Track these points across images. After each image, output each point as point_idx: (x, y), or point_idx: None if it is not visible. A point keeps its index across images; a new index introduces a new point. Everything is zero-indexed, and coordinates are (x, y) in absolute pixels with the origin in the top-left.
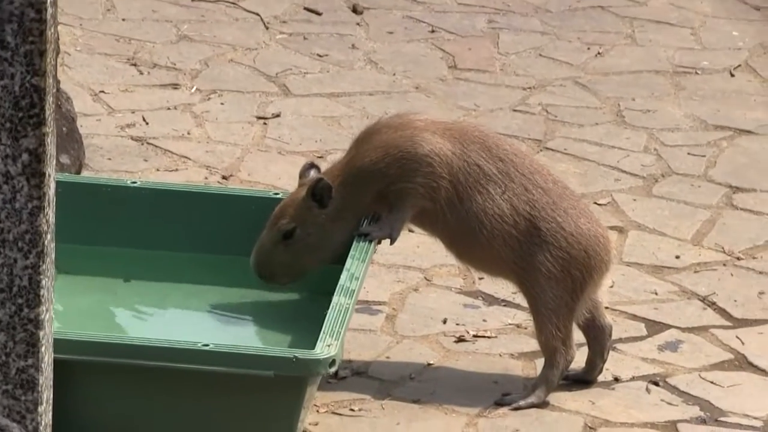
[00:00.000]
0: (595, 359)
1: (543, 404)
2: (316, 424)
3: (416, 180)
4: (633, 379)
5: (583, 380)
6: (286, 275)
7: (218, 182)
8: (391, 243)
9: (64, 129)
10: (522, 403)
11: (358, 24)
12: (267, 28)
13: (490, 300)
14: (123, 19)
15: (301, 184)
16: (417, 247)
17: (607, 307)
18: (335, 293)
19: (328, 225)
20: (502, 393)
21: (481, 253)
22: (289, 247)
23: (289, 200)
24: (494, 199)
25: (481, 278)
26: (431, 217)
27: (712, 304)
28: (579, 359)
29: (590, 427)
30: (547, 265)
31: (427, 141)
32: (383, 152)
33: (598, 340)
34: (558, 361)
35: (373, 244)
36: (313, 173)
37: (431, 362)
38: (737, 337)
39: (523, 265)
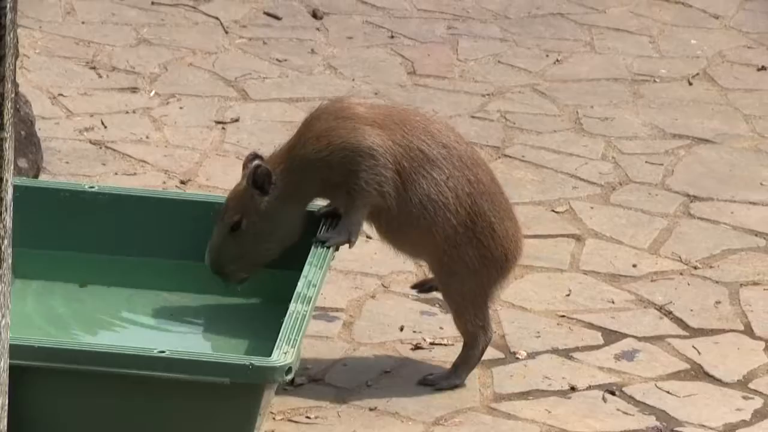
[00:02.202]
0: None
1: (461, 384)
2: None
3: (362, 176)
4: (589, 388)
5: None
6: (240, 269)
7: (176, 187)
8: (350, 246)
9: (22, 132)
10: (444, 383)
11: (317, 29)
12: (226, 33)
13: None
14: (82, 22)
15: (244, 175)
16: (375, 253)
17: (563, 316)
18: (292, 300)
19: (273, 212)
20: (423, 377)
21: (416, 238)
22: (238, 238)
23: (232, 192)
24: (439, 184)
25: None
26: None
27: (669, 314)
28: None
29: None
30: (471, 259)
31: (368, 134)
32: (326, 142)
33: None
34: (478, 342)
35: (331, 250)
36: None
37: (388, 370)
38: (693, 347)
39: (451, 253)
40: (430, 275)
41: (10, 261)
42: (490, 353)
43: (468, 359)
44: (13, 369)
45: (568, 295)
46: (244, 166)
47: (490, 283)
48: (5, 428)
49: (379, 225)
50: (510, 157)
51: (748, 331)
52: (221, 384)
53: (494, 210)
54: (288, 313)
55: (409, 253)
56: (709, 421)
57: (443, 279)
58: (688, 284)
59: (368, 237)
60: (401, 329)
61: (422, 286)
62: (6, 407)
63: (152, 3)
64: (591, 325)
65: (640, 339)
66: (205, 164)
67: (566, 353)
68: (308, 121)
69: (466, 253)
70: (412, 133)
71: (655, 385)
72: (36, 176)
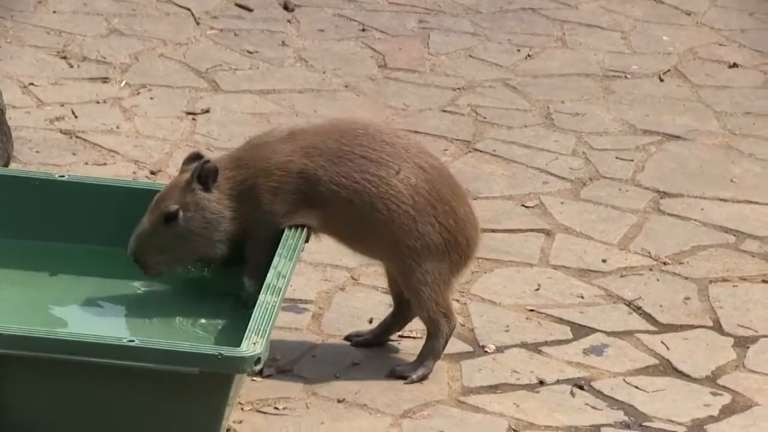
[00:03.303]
0: (393, 328)
1: (429, 374)
2: (241, 422)
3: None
4: (558, 382)
5: (371, 344)
6: (163, 262)
7: (146, 177)
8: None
9: None
10: (414, 376)
11: (289, 21)
12: (198, 24)
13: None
14: (54, 12)
15: (185, 170)
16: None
17: (532, 310)
18: (262, 291)
19: (210, 214)
20: (391, 369)
21: (373, 237)
22: (171, 230)
23: (172, 184)
24: (389, 182)
25: None
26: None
27: (638, 309)
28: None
29: (514, 430)
30: (436, 245)
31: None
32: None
33: (403, 312)
34: (442, 330)
35: (301, 241)
36: (196, 163)
37: (357, 362)
38: (662, 342)
39: (413, 244)
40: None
41: None
42: (459, 347)
43: (433, 348)
44: None
45: (538, 289)
46: (184, 163)
47: (452, 269)
48: None
49: (336, 236)
50: (480, 151)
51: (717, 327)
52: (190, 374)
53: (453, 194)
54: (257, 303)
55: (366, 253)
56: (678, 416)
57: (405, 268)
58: (658, 280)
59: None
60: (370, 321)
61: (357, 337)
62: None
63: None
64: (560, 320)
65: (609, 334)
66: (175, 155)
67: (535, 347)
68: (256, 143)
69: (430, 240)
70: (351, 143)
71: (624, 380)
72: (6, 165)
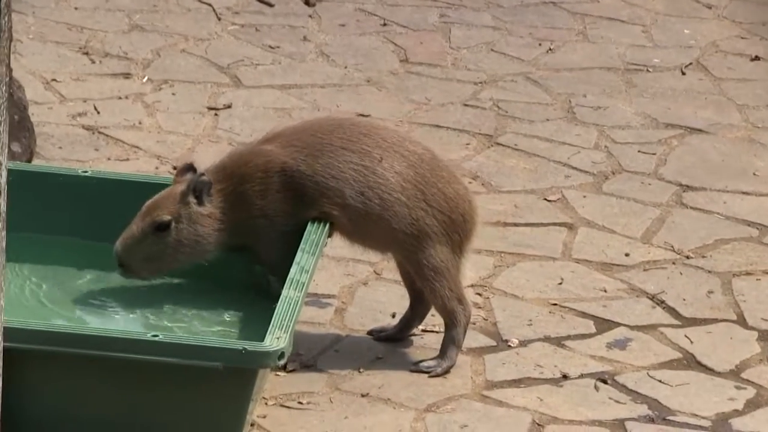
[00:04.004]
0: (413, 320)
1: (453, 366)
2: (264, 417)
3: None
4: (581, 376)
5: (393, 338)
6: (147, 269)
7: (169, 172)
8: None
9: (15, 117)
10: (439, 369)
11: (310, 16)
12: (219, 19)
13: (424, 291)
14: (75, 8)
15: (179, 181)
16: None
17: (555, 304)
18: (285, 286)
19: (201, 227)
20: (413, 362)
21: (374, 229)
22: (160, 240)
23: (166, 193)
24: (374, 171)
25: None
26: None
27: (661, 303)
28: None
29: (538, 424)
30: (433, 229)
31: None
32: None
33: (420, 302)
34: (459, 319)
35: (324, 236)
36: (189, 175)
37: (380, 356)
38: (686, 336)
39: (411, 231)
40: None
41: (4, 244)
42: (482, 341)
43: (453, 339)
44: (6, 352)
45: (561, 283)
46: (178, 175)
47: (455, 249)
48: None
49: (340, 231)
50: (502, 145)
51: (741, 321)
52: (214, 369)
53: (438, 176)
54: (281, 298)
55: (374, 247)
56: (701, 410)
57: (414, 262)
58: (681, 273)
59: None
60: (393, 316)
61: (379, 332)
62: (0, 390)
63: None
64: (583, 314)
65: (632, 328)
66: (197, 150)
67: (558, 341)
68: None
69: (426, 225)
70: (328, 139)
71: (647, 373)
72: (29, 161)
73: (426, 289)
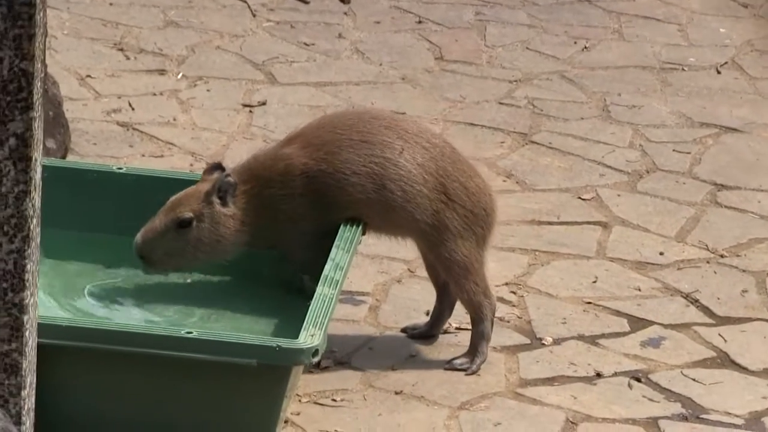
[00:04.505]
0: (443, 314)
1: (486, 357)
2: (298, 414)
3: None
4: (615, 374)
5: (426, 335)
6: (166, 264)
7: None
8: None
9: (50, 113)
10: (474, 367)
11: (345, 13)
12: (254, 16)
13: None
14: (110, 4)
15: (206, 180)
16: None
17: (589, 302)
18: (319, 283)
19: (222, 228)
20: (447, 362)
21: (397, 220)
22: (180, 236)
23: (191, 191)
24: (396, 163)
25: None
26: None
27: (695, 302)
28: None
29: (572, 422)
30: (454, 223)
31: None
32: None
33: (446, 295)
34: (485, 313)
35: (358, 233)
36: (217, 174)
37: (414, 354)
38: (720, 335)
39: (432, 223)
40: (421, 320)
41: (38, 240)
42: (516, 339)
43: (483, 333)
44: (40, 348)
45: (595, 281)
46: (205, 173)
47: (479, 243)
48: (33, 406)
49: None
50: (537, 143)
51: None
52: (248, 365)
53: (459, 170)
54: (315, 295)
55: (396, 234)
56: (735, 409)
57: (437, 256)
58: (715, 272)
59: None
60: (427, 313)
61: (413, 330)
62: (34, 385)
63: None
64: (617, 312)
65: (666, 326)
66: (232, 147)
67: (592, 340)
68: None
69: (447, 219)
70: (347, 134)
71: (681, 372)
72: (63, 157)
73: (451, 284)
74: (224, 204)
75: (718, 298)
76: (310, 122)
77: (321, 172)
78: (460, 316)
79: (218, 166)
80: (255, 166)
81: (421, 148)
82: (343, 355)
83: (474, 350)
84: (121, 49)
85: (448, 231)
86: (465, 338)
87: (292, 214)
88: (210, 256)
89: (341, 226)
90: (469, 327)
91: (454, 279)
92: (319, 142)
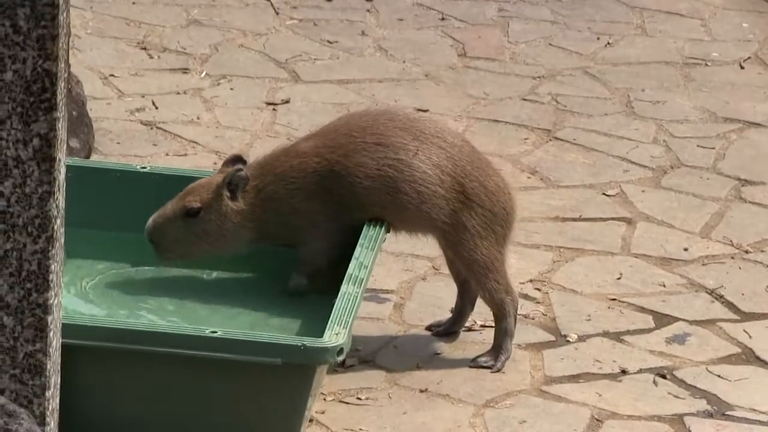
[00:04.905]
0: (465, 309)
1: (511, 354)
2: (323, 413)
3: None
4: (640, 371)
5: (449, 332)
6: (173, 251)
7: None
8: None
9: (73, 113)
10: (499, 364)
11: (368, 11)
12: (277, 14)
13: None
14: (133, 3)
15: (222, 171)
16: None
17: (614, 299)
18: (344, 281)
19: (229, 222)
20: (471, 360)
21: (416, 220)
22: (188, 225)
23: (205, 182)
24: (410, 164)
25: None
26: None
27: (720, 297)
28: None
29: (597, 419)
30: (472, 222)
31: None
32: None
33: (467, 289)
34: (508, 310)
35: (382, 231)
36: (235, 167)
37: (438, 352)
38: (745, 331)
39: (451, 222)
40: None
41: (62, 240)
42: (541, 336)
43: (506, 330)
44: (65, 348)
45: (619, 278)
46: (224, 164)
47: (498, 241)
48: (57, 407)
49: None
50: (561, 140)
51: None
52: (273, 364)
53: (478, 169)
54: (339, 294)
55: (416, 231)
56: (761, 405)
57: (457, 255)
58: (740, 268)
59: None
60: (451, 311)
61: (437, 327)
62: (58, 386)
63: None
64: (642, 309)
65: (691, 323)
66: (255, 145)
67: (617, 336)
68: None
69: (465, 218)
70: (361, 135)
71: (706, 368)
72: (87, 156)
73: (473, 282)
74: (233, 198)
75: (743, 294)
76: (327, 124)
77: (335, 173)
78: (484, 313)
79: (239, 159)
80: (269, 162)
81: (437, 148)
82: (367, 353)
83: (498, 347)
84: (145, 48)
85: (466, 230)
86: (489, 336)
87: (300, 207)
88: (217, 248)
89: (365, 225)
90: (494, 324)
91: (475, 277)
92: (333, 144)
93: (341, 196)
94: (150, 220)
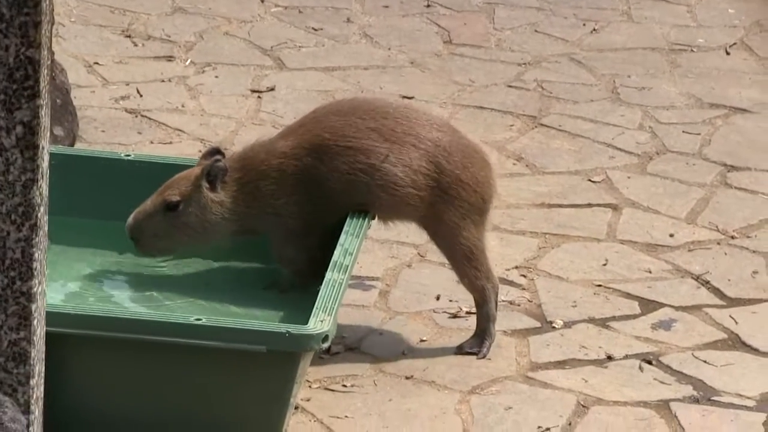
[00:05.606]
0: None
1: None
2: (309, 400)
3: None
4: (626, 357)
5: None
6: (155, 247)
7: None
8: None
9: (58, 101)
10: (485, 350)
11: None
12: (262, 1)
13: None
14: None
15: (201, 164)
16: (411, 225)
17: (600, 285)
18: (329, 268)
19: (210, 214)
20: (457, 347)
21: (394, 216)
22: (168, 219)
23: (184, 174)
24: (380, 168)
25: None
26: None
27: (706, 283)
28: None
29: (583, 405)
30: (449, 215)
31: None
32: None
33: None
34: (489, 296)
35: (367, 219)
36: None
37: (424, 338)
38: (731, 317)
39: (428, 215)
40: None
41: (46, 228)
42: (527, 322)
43: (488, 315)
44: (49, 336)
45: (605, 264)
46: (203, 157)
47: (477, 228)
48: (42, 395)
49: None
50: (547, 126)
51: None
52: (258, 352)
53: (454, 162)
54: (324, 281)
55: (401, 220)
56: (746, 390)
57: (439, 244)
58: (725, 254)
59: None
60: (437, 298)
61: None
62: (43, 375)
63: None
64: (628, 295)
65: (677, 308)
66: (241, 133)
67: (603, 322)
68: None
69: (442, 211)
70: (334, 136)
71: (692, 354)
72: (72, 144)
73: (453, 269)
74: (213, 189)
75: (729, 280)
76: (304, 116)
77: (310, 177)
78: (470, 299)
79: (217, 151)
80: (251, 157)
81: (410, 146)
82: (353, 340)
83: (482, 333)
84: (129, 36)
85: (443, 222)
86: (474, 322)
87: (281, 210)
88: (198, 241)
89: (349, 213)
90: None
91: (455, 265)
92: (309, 145)
93: (318, 196)
94: (130, 218)
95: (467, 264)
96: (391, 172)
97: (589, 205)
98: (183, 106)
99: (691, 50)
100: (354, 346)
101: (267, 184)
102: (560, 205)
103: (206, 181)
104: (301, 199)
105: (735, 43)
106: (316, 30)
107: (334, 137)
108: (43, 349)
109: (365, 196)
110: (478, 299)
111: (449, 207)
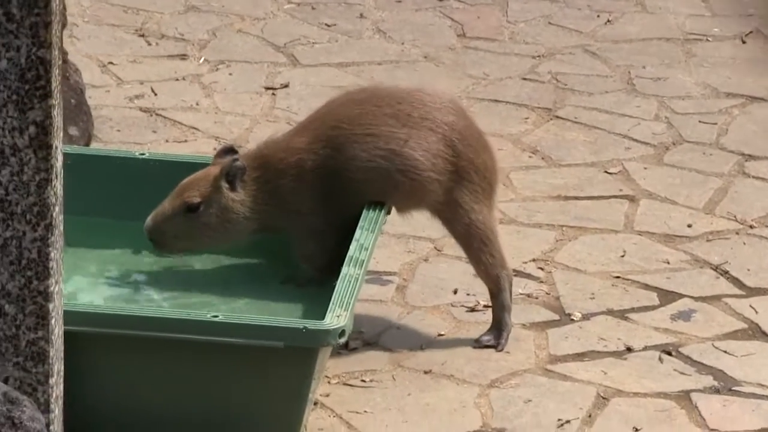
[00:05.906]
0: None
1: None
2: (328, 395)
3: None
4: (645, 348)
5: None
6: (175, 247)
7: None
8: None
9: (72, 101)
10: (503, 341)
11: None
12: None
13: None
14: None
15: (216, 163)
16: (427, 217)
17: (618, 277)
18: (345, 264)
19: (231, 214)
20: (475, 340)
21: (412, 203)
22: (189, 221)
23: (201, 174)
24: (401, 153)
25: None
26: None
27: (725, 273)
28: None
29: (603, 397)
30: (465, 199)
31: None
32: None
33: None
34: (504, 285)
35: (383, 213)
36: (228, 157)
37: (442, 333)
38: (750, 306)
39: (445, 200)
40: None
41: (61, 228)
42: (545, 315)
43: (503, 304)
44: (68, 335)
45: (623, 255)
46: (217, 156)
47: (488, 214)
48: (61, 394)
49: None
50: (562, 118)
51: None
52: (275, 348)
53: (469, 146)
54: (340, 276)
55: (416, 210)
56: (767, 380)
57: (451, 227)
58: (744, 243)
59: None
60: (455, 292)
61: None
62: (62, 373)
63: None
64: (646, 286)
65: (696, 299)
66: (255, 130)
67: (621, 314)
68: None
69: (458, 196)
70: (351, 124)
71: (712, 344)
72: (87, 144)
73: (468, 257)
74: (233, 189)
75: (748, 269)
76: (315, 111)
77: (329, 169)
78: (487, 293)
79: (230, 149)
80: (267, 155)
81: (427, 131)
82: (371, 335)
83: (498, 323)
84: (143, 35)
85: (460, 207)
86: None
87: (301, 206)
88: (219, 240)
89: (365, 207)
90: (490, 301)
91: (471, 252)
92: (325, 137)
93: (338, 189)
94: (149, 219)
95: (484, 249)
96: (412, 156)
97: (606, 197)
98: (197, 104)
99: (707, 39)
100: (372, 341)
101: (287, 181)
102: (577, 197)
103: (225, 181)
104: (321, 193)
105: (751, 32)
106: (329, 26)
107: (351, 126)
108: (62, 348)
109: (385, 182)
110: (493, 289)
111: (465, 191)
